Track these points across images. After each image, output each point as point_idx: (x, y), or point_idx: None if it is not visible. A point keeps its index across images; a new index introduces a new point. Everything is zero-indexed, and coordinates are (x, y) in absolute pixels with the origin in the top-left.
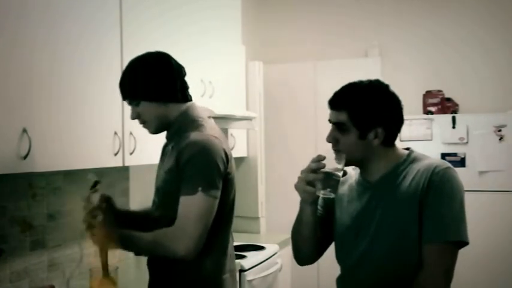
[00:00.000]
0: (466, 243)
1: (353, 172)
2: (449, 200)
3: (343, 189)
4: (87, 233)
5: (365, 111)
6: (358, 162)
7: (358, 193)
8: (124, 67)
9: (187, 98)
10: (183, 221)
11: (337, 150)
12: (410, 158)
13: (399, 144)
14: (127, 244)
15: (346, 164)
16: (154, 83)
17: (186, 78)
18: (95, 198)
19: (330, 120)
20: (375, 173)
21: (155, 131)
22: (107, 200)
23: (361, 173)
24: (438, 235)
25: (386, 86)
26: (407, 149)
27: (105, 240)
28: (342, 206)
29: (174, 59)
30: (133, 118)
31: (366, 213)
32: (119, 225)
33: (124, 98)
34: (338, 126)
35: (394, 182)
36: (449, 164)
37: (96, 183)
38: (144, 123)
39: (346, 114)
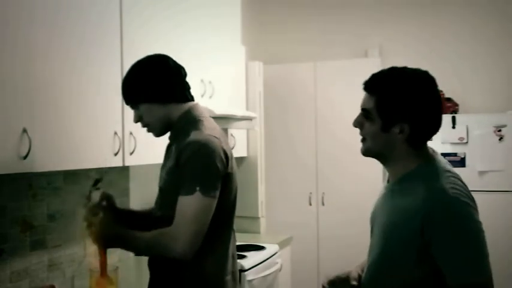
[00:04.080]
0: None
1: None
2: (460, 238)
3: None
4: (87, 231)
5: (393, 102)
6: (377, 155)
7: (381, 191)
8: (124, 67)
9: (187, 98)
10: (181, 220)
11: (362, 137)
12: (423, 169)
13: None
14: (125, 243)
15: (367, 153)
16: (151, 85)
17: (187, 79)
18: (96, 196)
19: (360, 106)
20: (394, 174)
21: (159, 133)
22: (107, 198)
23: (388, 171)
24: (464, 278)
25: (431, 81)
26: (434, 151)
27: (104, 239)
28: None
29: (172, 60)
30: (135, 121)
31: (377, 214)
32: (118, 224)
33: (126, 103)
34: (364, 113)
35: (398, 194)
36: (448, 193)
37: (97, 181)
38: (147, 126)
39: (374, 100)
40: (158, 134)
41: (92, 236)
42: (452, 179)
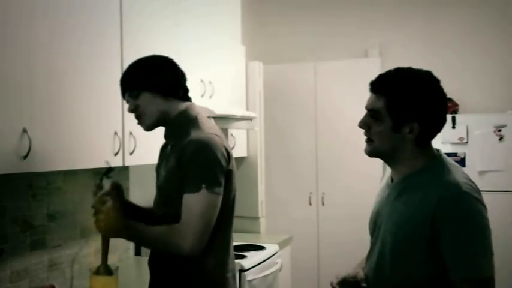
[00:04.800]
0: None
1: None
2: (468, 233)
3: (381, 184)
4: (94, 218)
5: (404, 102)
6: (384, 155)
7: (383, 190)
8: (124, 66)
9: (187, 98)
10: (188, 218)
11: (368, 138)
12: (431, 166)
13: None
14: (131, 234)
15: (374, 153)
16: (157, 75)
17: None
18: (106, 184)
19: (366, 107)
20: (399, 173)
21: (150, 126)
22: (117, 188)
23: (391, 171)
24: (468, 273)
25: (437, 81)
26: (438, 151)
27: (110, 227)
28: (375, 201)
29: (177, 64)
30: (130, 110)
31: (380, 213)
32: (125, 215)
33: (124, 90)
34: (372, 113)
35: (407, 190)
36: (462, 187)
37: (109, 170)
38: (140, 117)
39: (384, 101)
40: (148, 126)
41: (98, 224)
42: (464, 174)
